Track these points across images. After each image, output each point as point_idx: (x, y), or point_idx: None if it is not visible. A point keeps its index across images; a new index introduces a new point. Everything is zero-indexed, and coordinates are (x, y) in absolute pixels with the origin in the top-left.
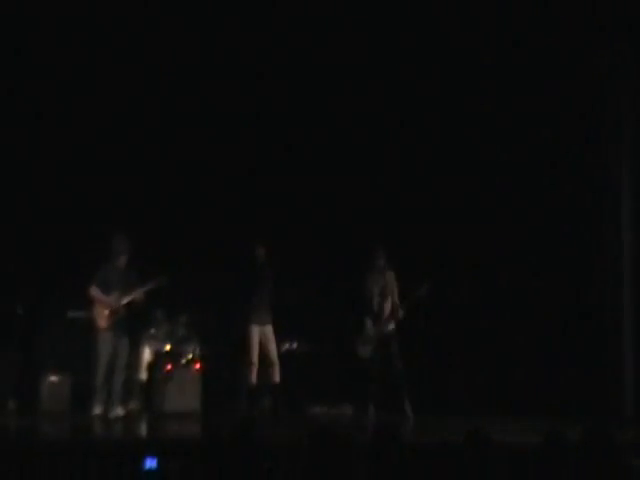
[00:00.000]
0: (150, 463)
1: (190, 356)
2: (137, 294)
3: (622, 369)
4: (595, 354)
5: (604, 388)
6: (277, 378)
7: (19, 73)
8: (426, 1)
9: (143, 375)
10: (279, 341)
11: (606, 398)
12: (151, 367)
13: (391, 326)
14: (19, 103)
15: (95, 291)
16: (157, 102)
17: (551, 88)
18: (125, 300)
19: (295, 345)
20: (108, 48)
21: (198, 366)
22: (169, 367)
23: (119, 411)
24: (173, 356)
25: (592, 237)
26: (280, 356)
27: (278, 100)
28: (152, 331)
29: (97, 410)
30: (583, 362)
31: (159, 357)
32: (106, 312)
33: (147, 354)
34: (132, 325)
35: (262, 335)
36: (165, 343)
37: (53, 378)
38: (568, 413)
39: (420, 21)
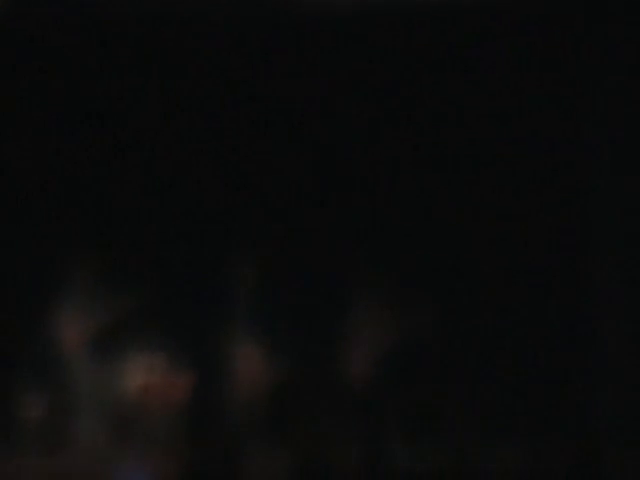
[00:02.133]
0: None
1: (178, 382)
2: (112, 318)
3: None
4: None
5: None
6: (261, 403)
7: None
8: None
9: (126, 403)
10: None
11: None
12: (136, 394)
13: None
14: None
15: (69, 315)
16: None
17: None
18: (101, 325)
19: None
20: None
21: (184, 390)
22: (154, 392)
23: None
24: (159, 382)
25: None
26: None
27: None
28: (135, 354)
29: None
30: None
31: (144, 382)
32: (82, 337)
33: (131, 379)
34: (115, 350)
35: (243, 358)
36: (150, 368)
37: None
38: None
39: None
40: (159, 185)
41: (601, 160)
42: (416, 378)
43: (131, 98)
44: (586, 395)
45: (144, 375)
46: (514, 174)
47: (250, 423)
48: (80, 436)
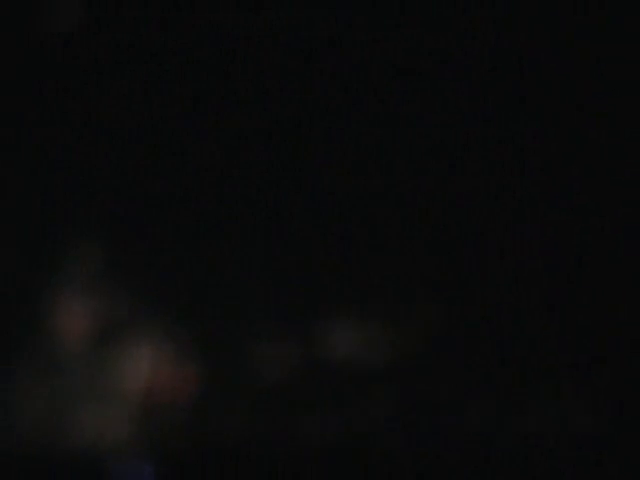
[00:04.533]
0: None
1: (183, 375)
2: (116, 310)
3: None
4: None
5: None
6: (268, 396)
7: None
8: None
9: (128, 400)
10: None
11: None
12: (142, 391)
13: None
14: None
15: (72, 306)
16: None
17: None
18: (105, 317)
19: None
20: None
21: (190, 384)
22: (163, 389)
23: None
24: (168, 376)
25: None
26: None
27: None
28: (140, 348)
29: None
30: None
31: (151, 378)
32: (81, 327)
33: (136, 374)
34: (115, 343)
35: (250, 350)
36: (159, 361)
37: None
38: None
39: None
40: (163, 179)
41: None
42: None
43: (132, 97)
44: None
45: (148, 369)
46: None
47: (255, 415)
48: (82, 430)
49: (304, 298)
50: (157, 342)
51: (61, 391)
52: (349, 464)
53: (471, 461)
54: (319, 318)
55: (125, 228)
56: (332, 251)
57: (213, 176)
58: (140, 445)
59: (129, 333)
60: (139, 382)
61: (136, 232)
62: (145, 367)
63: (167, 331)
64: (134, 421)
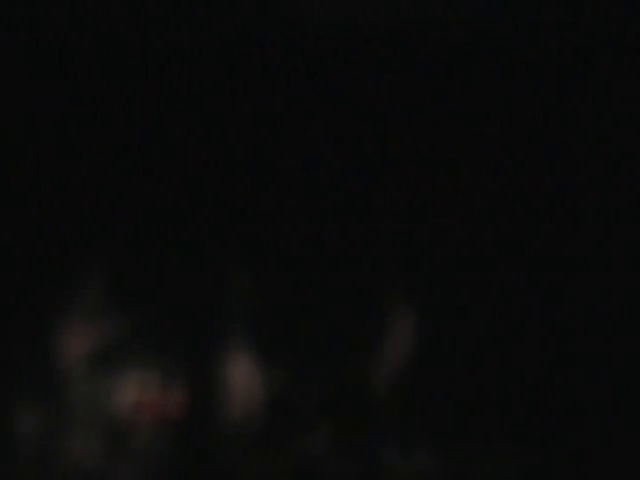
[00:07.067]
0: None
1: (172, 398)
2: (107, 334)
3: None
4: None
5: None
6: (256, 419)
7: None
8: None
9: (119, 419)
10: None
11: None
12: (129, 410)
13: None
14: None
15: (64, 330)
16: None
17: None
18: (96, 341)
19: None
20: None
21: (178, 407)
22: (148, 409)
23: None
24: (153, 399)
25: None
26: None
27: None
28: (129, 371)
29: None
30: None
31: (138, 399)
32: (77, 353)
33: (125, 396)
34: (110, 366)
35: (239, 374)
36: (144, 384)
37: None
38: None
39: None
40: (157, 201)
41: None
42: (416, 385)
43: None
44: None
45: (138, 392)
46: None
47: (244, 440)
48: (74, 452)
49: (291, 328)
50: (146, 367)
51: (54, 410)
52: None
53: None
54: (305, 348)
55: (122, 257)
56: (312, 284)
57: (206, 214)
58: (125, 465)
59: (120, 357)
60: (127, 404)
61: (134, 262)
62: (133, 390)
63: (156, 356)
64: (121, 442)
